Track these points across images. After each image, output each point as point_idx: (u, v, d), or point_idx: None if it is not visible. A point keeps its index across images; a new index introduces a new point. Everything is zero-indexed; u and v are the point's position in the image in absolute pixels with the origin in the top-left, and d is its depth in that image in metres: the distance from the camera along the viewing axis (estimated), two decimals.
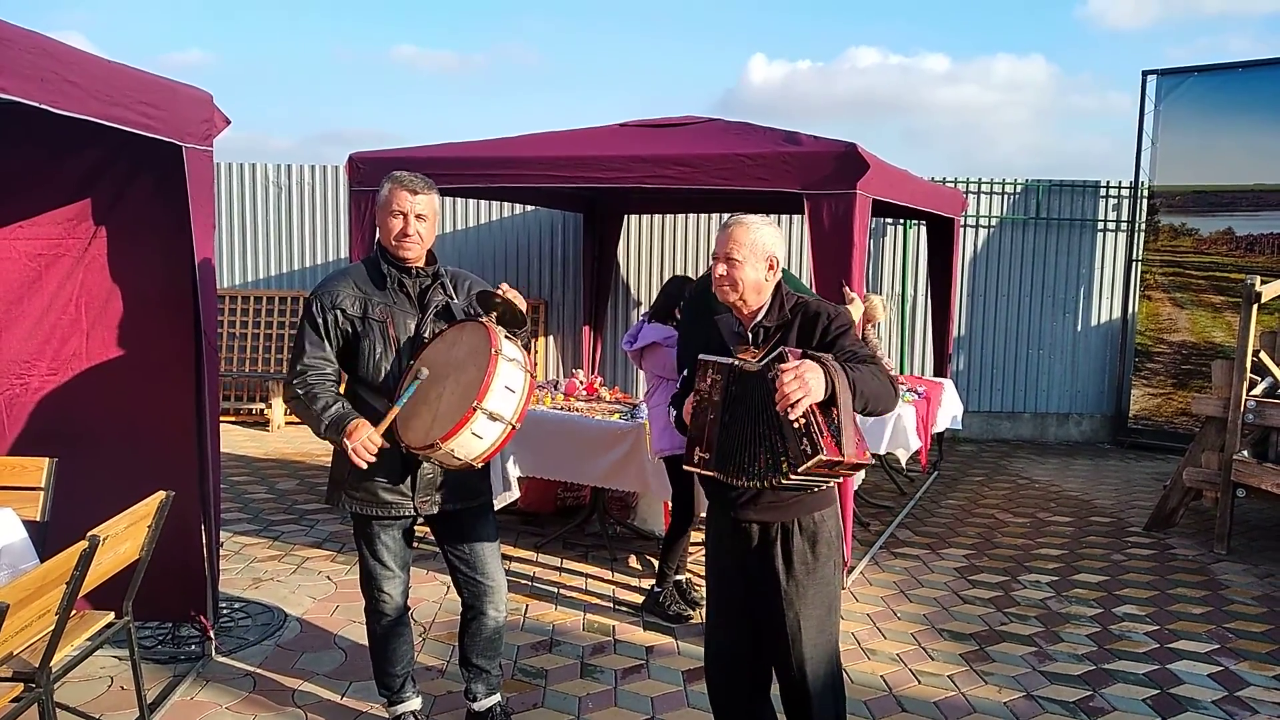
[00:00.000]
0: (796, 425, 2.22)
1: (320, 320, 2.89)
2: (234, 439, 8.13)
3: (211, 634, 3.78)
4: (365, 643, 3.90)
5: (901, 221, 8.89)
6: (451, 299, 2.98)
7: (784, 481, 2.31)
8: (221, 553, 4.57)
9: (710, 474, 2.46)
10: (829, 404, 2.24)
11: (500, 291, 2.85)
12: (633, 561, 5.15)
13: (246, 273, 9.28)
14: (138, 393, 3.65)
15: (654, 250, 9.12)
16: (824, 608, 2.57)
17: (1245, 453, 5.55)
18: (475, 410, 2.62)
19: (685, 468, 2.51)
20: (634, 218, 8.89)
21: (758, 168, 4.70)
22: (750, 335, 2.59)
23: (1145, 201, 8.87)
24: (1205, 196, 8.65)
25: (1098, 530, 6.07)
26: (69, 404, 3.68)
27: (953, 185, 8.82)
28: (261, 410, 8.93)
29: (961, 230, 8.25)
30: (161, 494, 2.91)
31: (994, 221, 9.09)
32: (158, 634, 3.92)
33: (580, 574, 4.92)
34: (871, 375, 2.35)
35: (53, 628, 2.52)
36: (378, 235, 2.97)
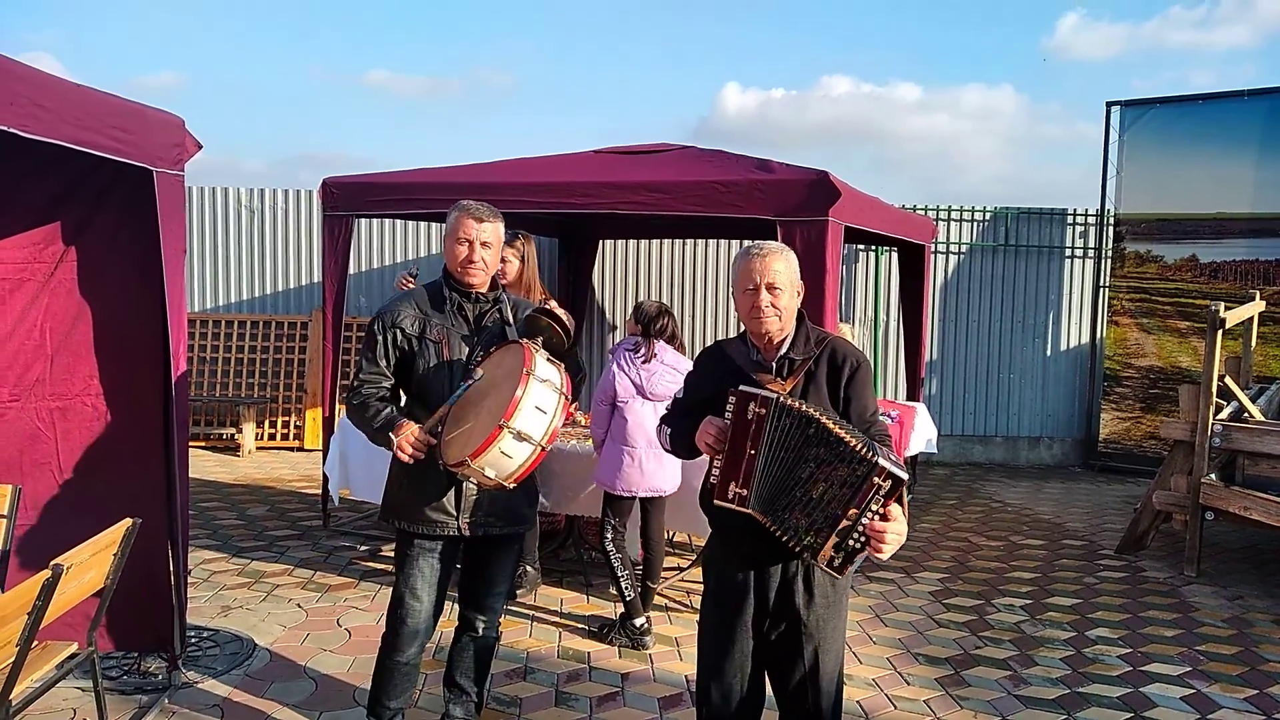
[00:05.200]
0: (844, 523, 2.21)
1: (380, 338, 3.02)
2: (203, 464, 8.02)
3: (179, 664, 3.71)
4: (336, 672, 3.87)
5: (873, 248, 8.98)
6: (508, 324, 3.05)
7: (804, 542, 2.30)
8: (189, 580, 4.49)
9: (748, 513, 2.34)
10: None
11: (548, 308, 3.04)
12: (608, 588, 5.12)
13: (218, 296, 9.19)
14: (103, 418, 3.60)
15: (628, 275, 9.15)
16: (839, 639, 2.58)
17: (1213, 476, 5.62)
18: (502, 429, 2.64)
19: (716, 502, 2.36)
20: (608, 243, 8.92)
21: (731, 195, 4.74)
22: (774, 366, 2.50)
23: (1111, 229, 9.03)
24: (1169, 224, 8.82)
25: (1070, 553, 6.12)
26: (32, 430, 3.61)
27: (923, 213, 8.94)
28: (232, 435, 8.83)
29: (932, 257, 8.35)
30: (128, 521, 2.85)
31: (964, 248, 9.20)
32: (123, 664, 3.83)
33: (555, 599, 4.89)
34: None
35: (13, 659, 2.46)
36: (444, 260, 3.10)
